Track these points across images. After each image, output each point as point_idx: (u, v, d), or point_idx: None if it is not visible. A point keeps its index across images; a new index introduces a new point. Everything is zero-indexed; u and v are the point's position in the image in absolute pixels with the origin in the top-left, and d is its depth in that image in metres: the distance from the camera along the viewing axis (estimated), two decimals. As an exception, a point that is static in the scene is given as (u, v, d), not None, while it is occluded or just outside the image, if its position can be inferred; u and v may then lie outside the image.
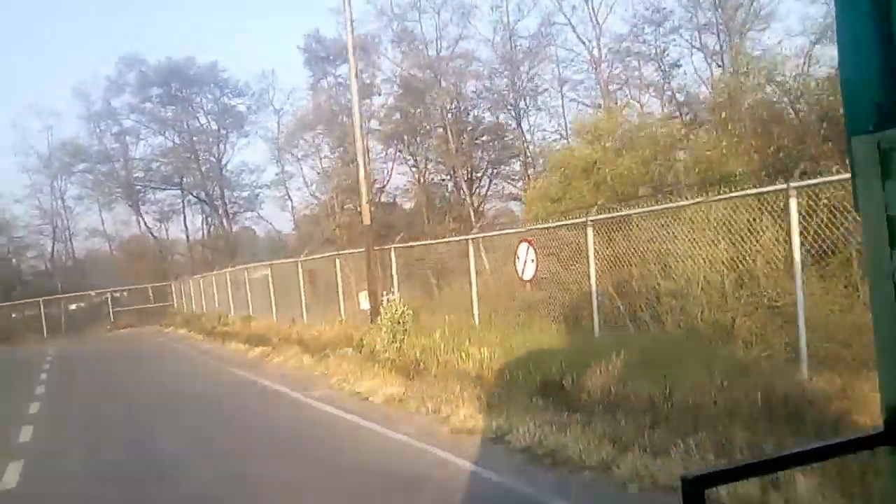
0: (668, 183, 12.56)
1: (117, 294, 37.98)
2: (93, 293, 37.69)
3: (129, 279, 38.42)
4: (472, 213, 29.33)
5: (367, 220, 13.05)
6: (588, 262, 9.22)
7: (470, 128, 34.20)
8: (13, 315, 36.37)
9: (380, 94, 37.88)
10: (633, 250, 9.57)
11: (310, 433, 8.21)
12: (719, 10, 25.21)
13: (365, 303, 12.91)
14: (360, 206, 13.43)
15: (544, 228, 10.28)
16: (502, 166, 33.55)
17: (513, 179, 32.90)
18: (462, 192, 31.98)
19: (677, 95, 25.94)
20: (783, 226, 7.34)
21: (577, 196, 13.14)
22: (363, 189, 13.65)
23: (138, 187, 40.16)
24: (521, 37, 30.97)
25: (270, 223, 41.92)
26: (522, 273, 9.99)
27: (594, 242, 9.36)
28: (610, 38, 28.08)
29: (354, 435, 7.89)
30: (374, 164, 38.48)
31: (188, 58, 39.38)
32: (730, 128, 13.31)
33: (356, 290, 14.37)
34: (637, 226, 9.42)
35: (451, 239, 12.71)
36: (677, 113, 22.81)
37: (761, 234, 8.10)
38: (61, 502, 6.56)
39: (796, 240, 6.75)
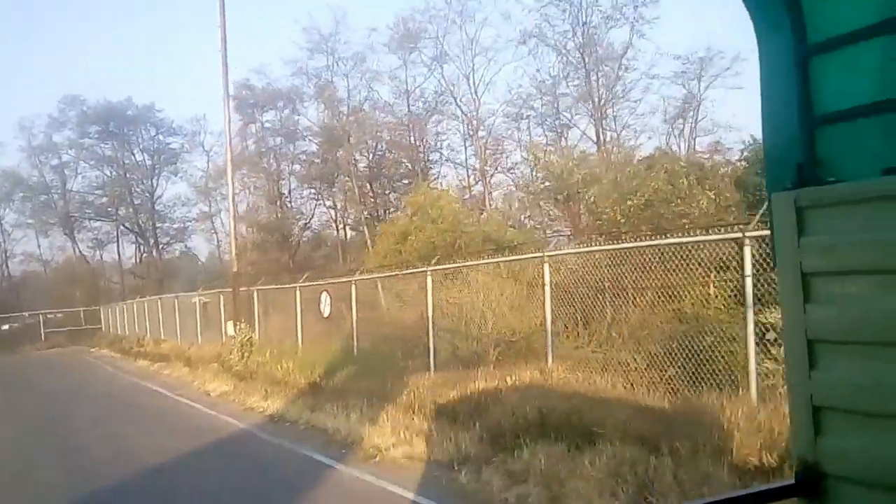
0: (459, 248, 17.76)
1: (50, 315, 41.65)
2: (26, 314, 41.33)
3: (62, 302, 42.17)
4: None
5: (234, 269, 18.03)
6: (351, 308, 14.25)
7: (384, 173, 39.20)
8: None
9: (303, 139, 43.19)
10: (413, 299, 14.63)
11: (164, 412, 13.04)
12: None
13: (231, 330, 17.77)
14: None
15: (346, 281, 15.31)
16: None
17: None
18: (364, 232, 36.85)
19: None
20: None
21: (393, 256, 18.32)
22: (232, 243, 18.68)
23: (74, 217, 44.16)
24: (419, 98, 36.44)
25: (197, 255, 46.29)
26: (323, 312, 15.08)
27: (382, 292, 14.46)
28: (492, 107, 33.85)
29: (189, 412, 12.76)
30: (300, 201, 43.68)
31: (126, 98, 43.85)
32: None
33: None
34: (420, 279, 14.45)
35: (285, 286, 17.69)
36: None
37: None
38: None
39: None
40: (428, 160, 38.81)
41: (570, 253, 11.35)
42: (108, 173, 44.89)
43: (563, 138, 32.42)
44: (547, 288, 9.85)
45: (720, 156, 23.56)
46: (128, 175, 44.31)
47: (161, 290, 34.51)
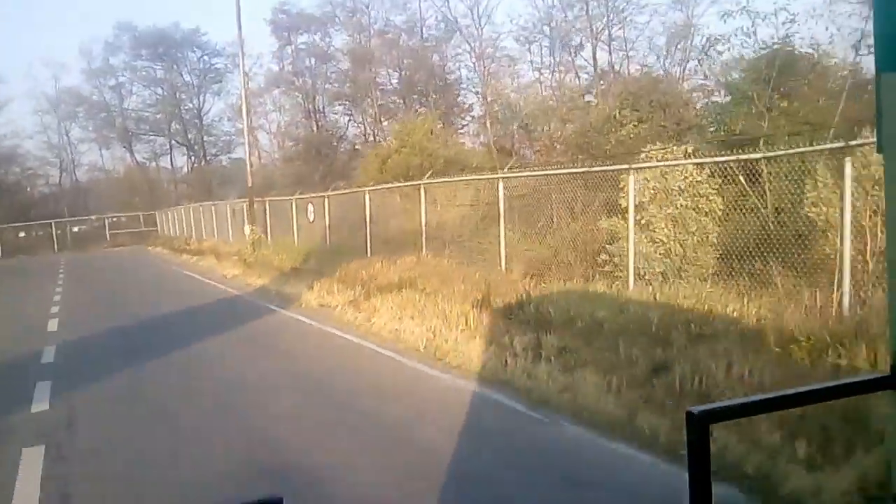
0: (426, 169, 22.58)
1: (113, 219, 48.38)
2: (93, 217, 48.15)
3: (124, 207, 48.78)
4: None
5: (249, 183, 23.35)
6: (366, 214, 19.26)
7: (416, 89, 43.44)
8: (29, 234, 46.97)
9: (334, 61, 47.88)
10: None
11: (189, 287, 18.61)
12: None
13: (248, 231, 23.25)
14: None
15: (321, 196, 20.41)
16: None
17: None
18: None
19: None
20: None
21: (376, 175, 23.30)
22: (248, 162, 23.93)
23: (131, 131, 50.27)
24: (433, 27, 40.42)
25: (239, 165, 51.93)
26: (309, 218, 20.32)
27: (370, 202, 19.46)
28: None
29: (206, 287, 18.28)
30: (335, 117, 48.74)
31: (174, 23, 48.97)
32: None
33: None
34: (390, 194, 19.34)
35: (289, 198, 22.93)
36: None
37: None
38: (78, 323, 16.96)
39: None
40: (447, 81, 42.99)
41: (512, 176, 16.06)
42: (160, 92, 50.57)
43: (575, 59, 36.43)
44: (501, 204, 13.30)
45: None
46: (177, 94, 49.88)
47: (209, 196, 40.31)
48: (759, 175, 10.19)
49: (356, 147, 47.51)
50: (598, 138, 21.56)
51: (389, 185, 17.28)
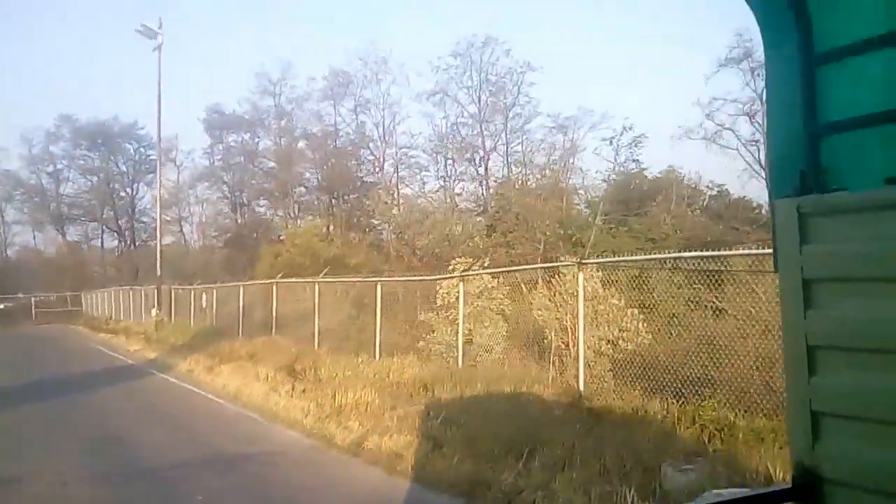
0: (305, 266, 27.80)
1: (41, 298, 51.89)
2: (21, 295, 51.61)
3: (52, 287, 52.37)
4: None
5: (158, 273, 28.22)
6: (240, 303, 24.22)
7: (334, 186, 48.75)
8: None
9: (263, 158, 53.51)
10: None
11: (95, 358, 23.10)
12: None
13: (154, 314, 27.89)
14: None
15: (209, 287, 25.36)
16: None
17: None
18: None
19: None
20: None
21: (267, 269, 28.39)
22: (158, 255, 28.85)
23: (65, 216, 54.63)
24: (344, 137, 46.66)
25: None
26: (202, 304, 25.22)
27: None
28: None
29: (111, 358, 22.84)
30: (260, 209, 53.93)
31: (113, 117, 54.26)
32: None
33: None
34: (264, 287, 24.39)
35: (189, 287, 27.80)
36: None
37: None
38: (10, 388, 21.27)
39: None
40: (361, 182, 48.88)
41: (329, 281, 21.40)
42: (95, 180, 55.33)
43: (476, 168, 43.01)
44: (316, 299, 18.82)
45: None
46: (111, 182, 54.72)
47: (135, 279, 44.48)
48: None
49: (280, 237, 52.82)
50: (448, 247, 27.23)
51: (253, 282, 22.49)
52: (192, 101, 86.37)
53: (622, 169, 40.49)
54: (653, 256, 16.10)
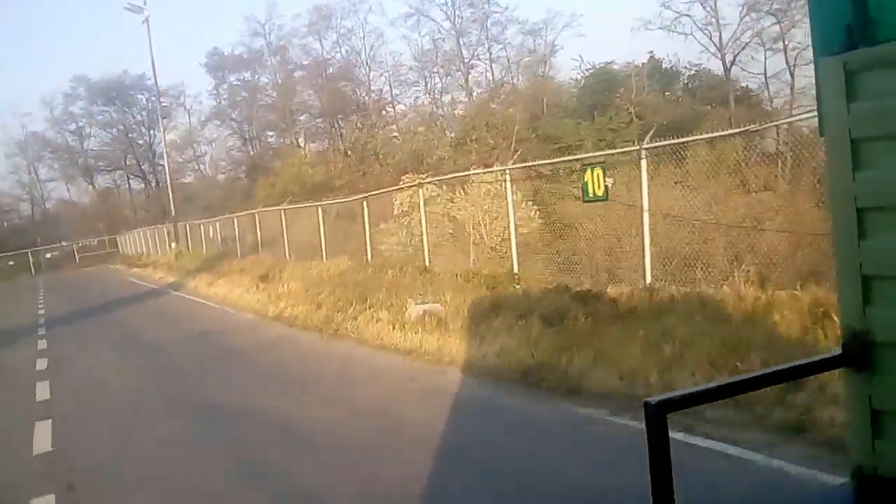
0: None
1: (81, 244, 58.14)
2: (64, 243, 57.92)
3: (90, 232, 58.51)
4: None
5: (173, 213, 33.40)
6: (234, 231, 29.35)
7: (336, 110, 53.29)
8: (6, 262, 56.59)
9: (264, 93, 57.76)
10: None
11: (127, 287, 28.65)
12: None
13: (173, 246, 33.24)
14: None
15: (224, 218, 30.46)
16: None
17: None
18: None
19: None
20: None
21: (264, 198, 33.41)
22: (170, 196, 33.94)
23: (92, 168, 60.27)
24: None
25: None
26: (211, 235, 30.43)
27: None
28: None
29: (138, 284, 28.35)
30: (269, 141, 58.80)
31: (123, 71, 58.84)
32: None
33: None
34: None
35: (198, 221, 32.97)
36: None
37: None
38: (54, 308, 26.94)
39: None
40: (359, 103, 53.04)
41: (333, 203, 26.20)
42: (115, 132, 60.53)
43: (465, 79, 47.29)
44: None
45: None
46: (129, 133, 59.89)
47: (164, 217, 50.00)
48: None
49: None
50: (415, 162, 31.76)
51: (244, 213, 27.51)
52: (193, 48, 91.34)
53: (588, 66, 43.91)
54: (556, 160, 20.39)
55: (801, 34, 37.30)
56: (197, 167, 60.25)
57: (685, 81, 44.63)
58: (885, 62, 1.60)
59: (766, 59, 40.34)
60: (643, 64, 41.99)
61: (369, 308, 11.25)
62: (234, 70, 57.82)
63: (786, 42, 38.48)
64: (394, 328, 9.99)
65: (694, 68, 42.71)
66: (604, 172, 9.81)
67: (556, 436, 5.83)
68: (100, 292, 27.02)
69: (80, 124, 60.16)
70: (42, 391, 9.65)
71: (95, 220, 60.41)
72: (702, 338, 6.37)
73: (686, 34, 42.14)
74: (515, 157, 20.10)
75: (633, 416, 5.67)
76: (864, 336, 1.67)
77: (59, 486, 5.75)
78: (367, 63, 48.29)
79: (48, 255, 56.70)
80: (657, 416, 1.37)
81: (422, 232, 16.19)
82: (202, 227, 31.81)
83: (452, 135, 36.06)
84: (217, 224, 29.66)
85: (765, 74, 40.72)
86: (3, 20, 77.07)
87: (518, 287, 11.12)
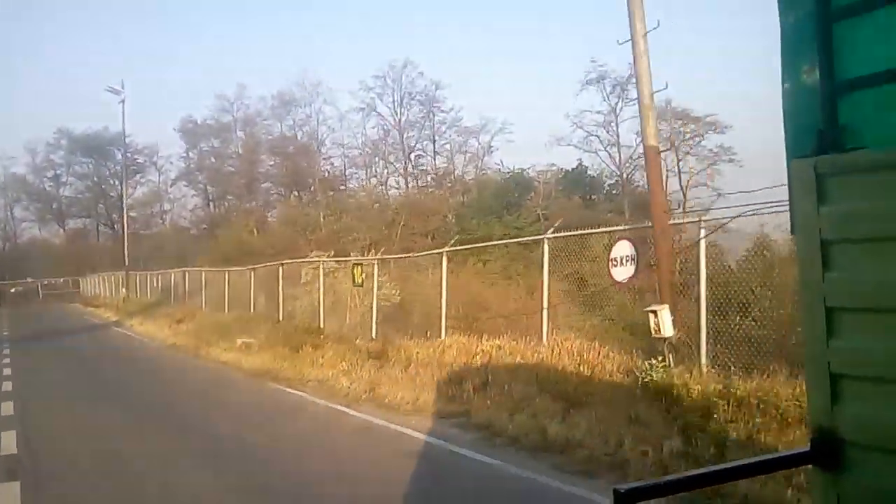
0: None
1: (46, 282, 64.38)
2: (29, 279, 64.17)
3: (55, 272, 64.81)
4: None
5: (126, 263, 40.21)
6: (172, 281, 36.20)
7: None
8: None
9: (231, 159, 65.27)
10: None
11: (79, 321, 35.28)
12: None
13: (123, 292, 39.94)
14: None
15: (167, 272, 37.35)
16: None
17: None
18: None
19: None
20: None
21: (212, 254, 40.42)
22: (125, 245, 40.83)
23: (65, 213, 67.16)
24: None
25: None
26: (155, 284, 37.26)
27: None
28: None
29: (89, 319, 35.01)
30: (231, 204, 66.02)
31: (104, 127, 66.30)
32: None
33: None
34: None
35: (145, 272, 39.84)
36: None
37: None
38: (16, 337, 33.45)
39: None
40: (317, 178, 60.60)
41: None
42: (90, 182, 67.68)
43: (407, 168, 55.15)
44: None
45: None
46: (102, 185, 67.09)
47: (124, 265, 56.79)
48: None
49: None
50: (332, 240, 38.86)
51: (177, 270, 34.48)
52: (170, 113, 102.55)
53: (507, 170, 51.91)
54: (421, 254, 27.69)
55: (694, 160, 46.10)
56: (161, 221, 67.27)
57: (586, 191, 52.59)
58: (853, 168, 1.69)
59: (667, 177, 48.45)
60: (553, 172, 49.81)
61: (220, 342, 18.25)
62: (204, 137, 65.52)
63: (679, 167, 46.94)
64: (224, 351, 17.04)
65: (606, 179, 50.63)
66: (361, 269, 16.98)
67: (255, 393, 12.71)
68: (55, 323, 33.64)
69: (59, 172, 67.43)
70: (5, 377, 16.24)
71: (63, 261, 66.71)
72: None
73: (593, 152, 50.56)
74: (388, 249, 27.34)
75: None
76: (831, 433, 1.70)
77: (17, 402, 12.51)
78: (318, 148, 56.21)
79: (13, 290, 62.63)
80: None
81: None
82: (149, 277, 38.69)
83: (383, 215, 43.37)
84: (159, 277, 36.59)
85: (665, 190, 48.78)
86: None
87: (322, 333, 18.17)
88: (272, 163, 62.17)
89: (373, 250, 29.13)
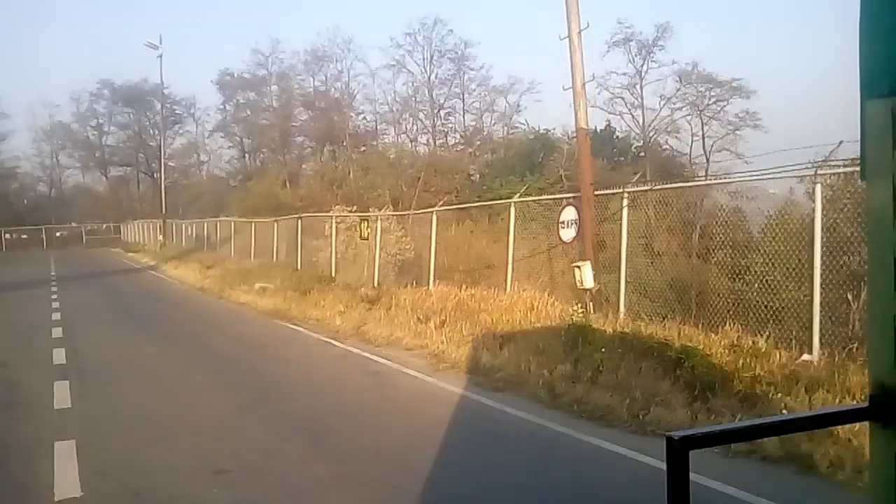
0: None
1: (89, 227, 67.92)
2: (74, 224, 67.74)
3: (98, 218, 68.29)
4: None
5: (163, 212, 42.85)
6: (204, 231, 38.80)
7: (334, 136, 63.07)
8: (20, 236, 66.43)
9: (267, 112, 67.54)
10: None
11: (119, 265, 38.14)
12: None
13: (160, 237, 42.70)
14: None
15: (199, 221, 39.94)
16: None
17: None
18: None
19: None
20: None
21: (240, 207, 43.00)
22: (163, 198, 43.43)
23: (107, 161, 70.33)
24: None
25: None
26: (190, 232, 39.89)
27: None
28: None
29: (128, 264, 37.84)
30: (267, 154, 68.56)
31: (143, 79, 68.91)
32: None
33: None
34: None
35: (181, 221, 42.49)
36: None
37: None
38: (63, 275, 36.40)
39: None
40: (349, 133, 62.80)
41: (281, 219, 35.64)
42: (131, 132, 70.59)
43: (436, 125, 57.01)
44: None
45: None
46: (142, 135, 69.96)
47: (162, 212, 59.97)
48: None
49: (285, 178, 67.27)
50: (369, 191, 41.03)
51: (209, 220, 36.96)
52: (208, 65, 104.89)
53: (531, 129, 53.31)
54: (417, 212, 29.75)
55: (718, 125, 47.22)
56: (199, 171, 70.07)
57: (614, 152, 53.86)
58: None
59: (692, 142, 49.35)
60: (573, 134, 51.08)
61: (242, 285, 20.56)
62: (240, 90, 67.69)
63: (704, 131, 47.99)
64: (244, 293, 19.34)
65: (634, 141, 51.80)
66: (368, 224, 19.05)
67: (260, 326, 14.95)
68: (96, 266, 36.48)
69: (101, 121, 70.35)
70: (55, 309, 18.77)
71: (105, 207, 70.21)
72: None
73: (617, 114, 51.65)
74: (408, 205, 29.40)
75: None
76: (893, 390, 1.65)
77: (64, 327, 14.92)
78: (350, 103, 58.04)
79: (58, 234, 66.26)
80: (679, 453, 1.39)
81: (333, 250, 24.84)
82: (185, 226, 41.34)
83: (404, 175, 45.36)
84: (194, 225, 39.19)
85: (689, 155, 49.59)
86: (47, 19, 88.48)
87: (333, 280, 20.39)
88: (305, 117, 64.22)
89: (390, 207, 31.27)
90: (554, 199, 13.72)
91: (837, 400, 6.88)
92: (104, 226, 67.92)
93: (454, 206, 22.04)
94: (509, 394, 8.67)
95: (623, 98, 52.49)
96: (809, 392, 7.09)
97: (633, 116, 52.22)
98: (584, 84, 10.86)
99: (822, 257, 8.35)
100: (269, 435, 7.24)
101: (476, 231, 21.03)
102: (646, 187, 11.21)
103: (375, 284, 18.76)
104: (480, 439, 7.00)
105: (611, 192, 11.97)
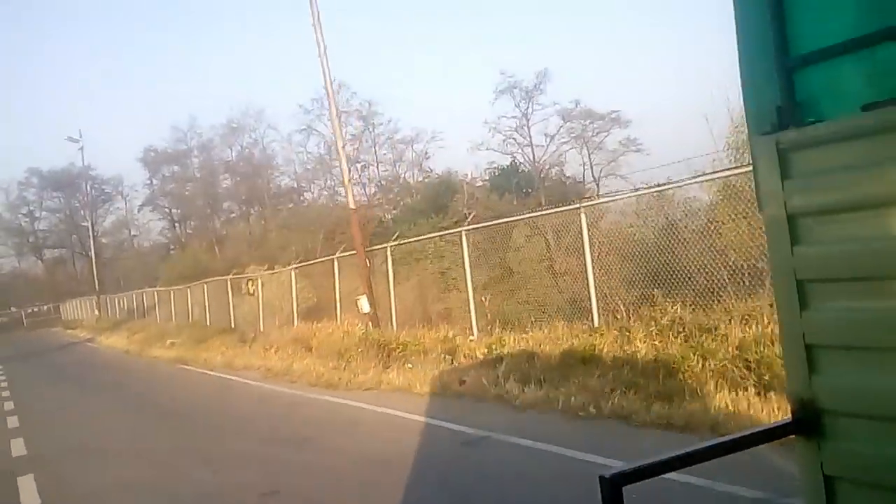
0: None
1: (29, 310, 71.64)
2: (13, 309, 71.38)
3: (37, 300, 72.06)
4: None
5: (96, 286, 47.46)
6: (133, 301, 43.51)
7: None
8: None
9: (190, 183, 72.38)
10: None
11: (59, 341, 42.59)
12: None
13: (95, 311, 47.19)
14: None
15: (129, 293, 44.70)
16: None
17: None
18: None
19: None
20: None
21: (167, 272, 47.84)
22: (95, 276, 48.06)
23: (41, 246, 74.51)
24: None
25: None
26: (122, 305, 44.62)
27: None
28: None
29: (67, 341, 42.35)
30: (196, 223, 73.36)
31: (70, 163, 73.47)
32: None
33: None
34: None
35: (115, 294, 47.17)
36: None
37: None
38: (8, 354, 40.73)
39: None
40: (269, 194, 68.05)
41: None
42: (62, 215, 75.01)
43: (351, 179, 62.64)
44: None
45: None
46: (73, 217, 74.44)
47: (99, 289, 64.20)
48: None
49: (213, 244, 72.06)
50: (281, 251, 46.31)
51: (137, 292, 41.83)
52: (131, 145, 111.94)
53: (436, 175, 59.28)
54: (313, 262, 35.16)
55: (600, 154, 54.04)
56: (131, 245, 74.74)
57: (520, 187, 59.94)
58: (814, 141, 1.77)
59: (583, 171, 56.07)
60: (479, 172, 57.07)
61: (157, 344, 25.70)
62: (164, 164, 72.81)
63: (592, 160, 54.99)
64: (158, 349, 24.51)
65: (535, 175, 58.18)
66: (252, 283, 24.40)
67: (164, 371, 20.15)
68: (38, 345, 40.92)
69: (32, 208, 74.82)
70: (2, 379, 23.47)
71: (44, 289, 74.07)
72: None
73: (510, 154, 58.20)
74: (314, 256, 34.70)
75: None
76: (811, 404, 1.77)
77: (12, 392, 19.89)
78: (269, 163, 63.90)
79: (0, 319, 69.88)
80: (613, 491, 1.47)
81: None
82: (118, 299, 46.08)
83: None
84: (125, 298, 44.02)
85: (584, 181, 56.09)
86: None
87: (230, 331, 25.61)
88: (228, 183, 69.55)
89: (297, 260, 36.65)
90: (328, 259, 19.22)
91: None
92: (44, 307, 71.70)
93: (308, 263, 27.20)
94: (299, 383, 14.18)
95: (514, 139, 59.18)
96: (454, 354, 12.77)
97: (523, 154, 58.91)
98: (350, 178, 16.45)
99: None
100: (154, 427, 12.59)
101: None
102: (395, 242, 16.84)
103: (261, 329, 24.04)
104: (267, 407, 12.49)
105: (378, 247, 17.64)
